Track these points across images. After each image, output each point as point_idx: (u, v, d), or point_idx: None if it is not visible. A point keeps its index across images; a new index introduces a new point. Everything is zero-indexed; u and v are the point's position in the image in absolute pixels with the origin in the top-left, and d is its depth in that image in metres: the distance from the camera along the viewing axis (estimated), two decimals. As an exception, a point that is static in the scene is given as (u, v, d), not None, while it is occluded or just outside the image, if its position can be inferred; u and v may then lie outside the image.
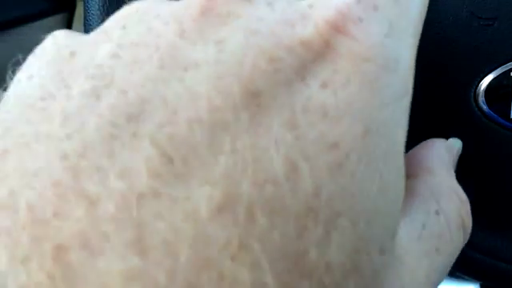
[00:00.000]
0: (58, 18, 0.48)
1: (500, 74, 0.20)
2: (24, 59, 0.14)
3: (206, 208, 0.10)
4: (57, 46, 0.14)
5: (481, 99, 0.20)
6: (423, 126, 0.20)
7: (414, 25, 0.14)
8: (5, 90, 0.14)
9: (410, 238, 0.14)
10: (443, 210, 0.15)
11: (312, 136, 0.11)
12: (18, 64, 0.14)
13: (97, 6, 0.23)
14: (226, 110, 0.11)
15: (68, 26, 0.48)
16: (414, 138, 0.20)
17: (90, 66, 0.12)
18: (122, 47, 0.12)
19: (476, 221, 0.21)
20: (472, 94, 0.20)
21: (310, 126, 0.11)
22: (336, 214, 0.11)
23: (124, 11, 0.13)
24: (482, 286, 0.33)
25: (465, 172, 0.21)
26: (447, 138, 0.20)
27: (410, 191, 0.15)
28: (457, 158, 0.19)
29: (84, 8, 0.23)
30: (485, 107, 0.20)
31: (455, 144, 0.19)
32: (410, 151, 0.17)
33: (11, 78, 0.14)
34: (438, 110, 0.20)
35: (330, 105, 0.11)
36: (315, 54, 0.12)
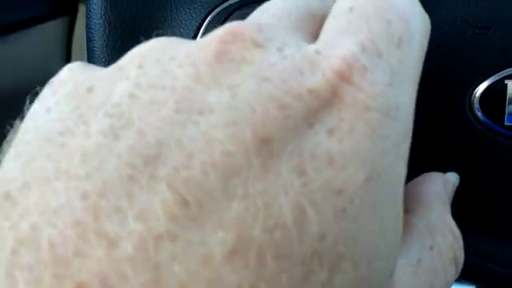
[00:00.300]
0: (60, 21, 0.48)
1: (494, 82, 0.20)
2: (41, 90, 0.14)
3: (220, 252, 0.11)
4: (74, 80, 0.14)
5: (476, 106, 0.20)
6: (419, 133, 0.21)
7: (415, 67, 0.14)
8: (21, 119, 0.14)
9: (405, 273, 0.14)
10: (437, 246, 0.16)
11: (319, 182, 0.12)
12: (36, 95, 0.14)
13: (99, 15, 0.23)
14: (239, 155, 0.12)
15: (69, 29, 0.48)
16: (411, 145, 0.20)
17: (108, 103, 0.13)
18: (140, 87, 0.13)
19: (472, 225, 0.21)
20: (467, 101, 0.20)
21: (317, 173, 0.12)
22: (340, 257, 0.12)
23: (140, 49, 0.14)
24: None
25: (461, 178, 0.21)
26: (442, 144, 0.21)
27: (406, 226, 0.15)
28: (453, 191, 0.19)
29: (86, 15, 0.24)
30: (480, 114, 0.20)
31: (452, 178, 0.19)
32: (408, 185, 0.18)
33: (28, 109, 0.14)
34: (433, 117, 0.21)
35: (336, 152, 0.12)
36: (322, 102, 0.12)
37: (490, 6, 0.20)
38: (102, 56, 0.23)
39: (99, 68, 0.15)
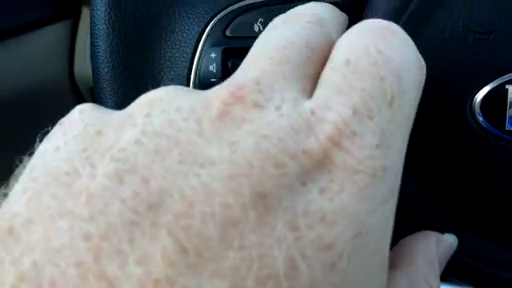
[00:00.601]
0: (63, 24, 0.48)
1: (495, 87, 0.20)
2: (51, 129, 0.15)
3: None
4: (84, 123, 0.14)
5: (477, 111, 0.20)
6: (420, 137, 0.21)
7: (406, 122, 0.15)
8: (30, 155, 0.15)
9: None
10: None
11: (310, 237, 0.12)
12: (46, 133, 0.15)
13: (103, 21, 0.23)
14: (237, 207, 0.12)
15: (73, 32, 0.48)
16: (411, 149, 0.20)
17: (115, 147, 0.13)
18: (145, 135, 0.13)
19: (473, 229, 0.21)
20: (468, 105, 0.21)
21: (309, 229, 0.12)
22: None
23: (149, 97, 0.14)
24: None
25: (462, 182, 0.21)
26: (444, 149, 0.21)
27: (390, 282, 0.16)
28: (450, 252, 0.20)
29: (90, 20, 0.24)
30: (481, 119, 0.20)
31: (448, 239, 0.20)
32: (400, 242, 0.19)
33: (38, 146, 0.15)
34: (434, 121, 0.21)
35: (327, 210, 0.13)
36: (315, 163, 0.13)
37: (491, 12, 0.20)
38: (105, 61, 0.23)
39: (109, 111, 0.15)
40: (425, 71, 0.16)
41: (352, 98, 0.14)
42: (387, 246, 0.14)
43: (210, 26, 0.24)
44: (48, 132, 0.15)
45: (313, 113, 0.14)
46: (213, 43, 0.24)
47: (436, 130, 0.21)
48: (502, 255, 0.21)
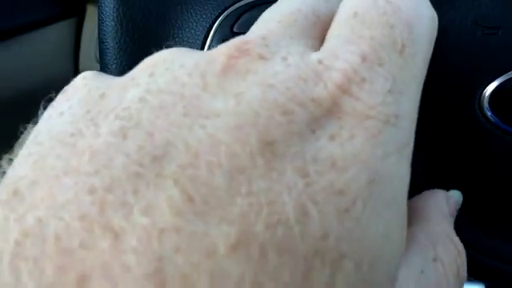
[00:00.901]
0: (68, 23, 0.48)
1: (504, 81, 0.20)
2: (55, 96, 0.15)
3: (223, 244, 0.11)
4: (88, 87, 0.14)
5: (485, 105, 0.21)
6: (428, 131, 0.21)
7: (419, 71, 0.15)
8: (34, 123, 0.15)
9: (408, 283, 0.15)
10: (440, 258, 0.16)
11: (321, 183, 0.12)
12: (50, 100, 0.15)
13: (111, 17, 0.23)
14: (244, 156, 0.12)
15: (78, 31, 0.48)
16: (419, 142, 0.20)
17: (119, 107, 0.13)
18: (150, 92, 0.13)
19: (482, 224, 0.21)
20: (476, 100, 0.21)
21: (319, 175, 0.12)
22: (342, 256, 0.12)
23: (152, 59, 0.14)
24: (487, 287, 0.33)
25: (470, 176, 0.21)
26: (452, 143, 0.21)
27: (408, 238, 0.16)
28: (456, 208, 0.19)
29: (98, 17, 0.24)
30: (489, 113, 0.21)
31: (454, 195, 0.20)
32: (409, 200, 0.18)
33: (42, 114, 0.15)
34: (443, 115, 0.21)
35: (338, 156, 0.12)
36: (324, 110, 0.13)
37: (500, 7, 0.20)
38: (114, 58, 0.24)
39: (112, 77, 0.15)
40: (437, 24, 0.16)
41: (361, 46, 0.14)
42: (405, 197, 0.14)
43: (217, 22, 0.24)
44: (51, 99, 0.15)
45: (320, 62, 0.14)
46: (220, 39, 0.24)
47: (444, 124, 0.21)
48: (507, 249, 0.22)
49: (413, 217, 0.17)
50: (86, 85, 0.15)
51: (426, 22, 0.15)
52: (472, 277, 0.23)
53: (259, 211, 0.11)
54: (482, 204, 0.21)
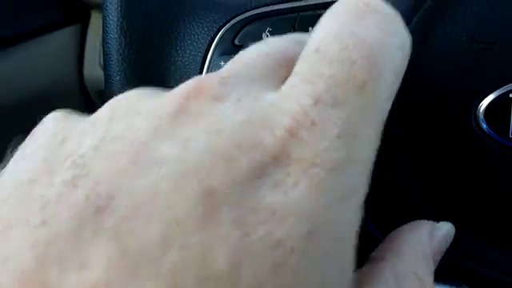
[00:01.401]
0: (72, 29, 0.49)
1: (499, 95, 0.21)
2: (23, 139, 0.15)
3: None
4: (52, 131, 0.14)
5: (481, 118, 0.21)
6: (424, 144, 0.21)
7: (382, 106, 0.14)
8: (6, 164, 0.15)
9: None
10: None
11: (258, 234, 0.12)
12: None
13: (115, 30, 0.24)
14: (182, 206, 0.12)
15: (82, 37, 0.48)
16: (416, 156, 0.21)
17: (75, 154, 0.13)
18: (104, 140, 0.13)
19: (481, 236, 0.22)
20: (472, 113, 0.21)
21: (258, 225, 0.12)
22: None
23: (114, 103, 0.14)
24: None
25: (465, 189, 0.21)
26: (448, 156, 0.21)
27: (376, 274, 0.15)
28: (446, 240, 0.19)
29: (103, 29, 0.24)
30: (485, 126, 0.21)
31: (444, 226, 0.19)
32: (391, 232, 0.17)
33: (12, 156, 0.15)
34: (438, 128, 0.21)
35: (279, 205, 0.12)
36: (270, 156, 0.12)
37: (495, 22, 0.21)
38: (118, 69, 0.24)
39: (80, 118, 0.15)
40: (408, 52, 0.15)
41: (316, 85, 0.13)
42: (349, 247, 0.13)
43: (219, 35, 0.24)
44: (18, 140, 0.15)
45: (272, 105, 0.13)
46: (222, 52, 0.24)
47: (440, 137, 0.21)
48: (507, 261, 0.22)
49: (386, 251, 0.17)
50: (51, 128, 0.15)
51: (392, 53, 0.14)
52: (461, 283, 0.23)
53: (189, 266, 0.11)
54: (479, 216, 0.22)
